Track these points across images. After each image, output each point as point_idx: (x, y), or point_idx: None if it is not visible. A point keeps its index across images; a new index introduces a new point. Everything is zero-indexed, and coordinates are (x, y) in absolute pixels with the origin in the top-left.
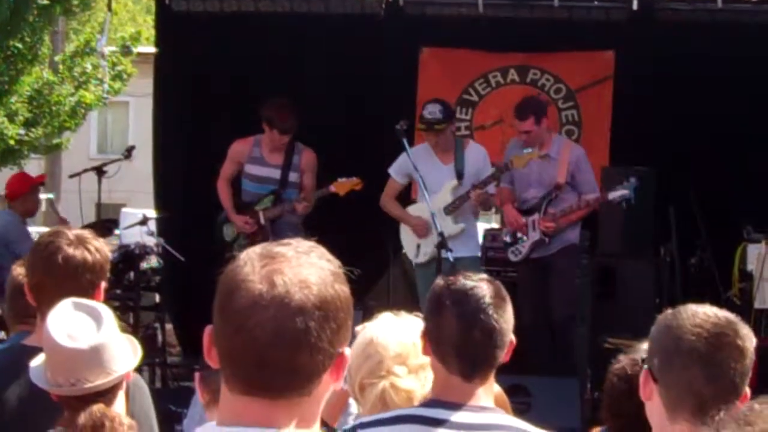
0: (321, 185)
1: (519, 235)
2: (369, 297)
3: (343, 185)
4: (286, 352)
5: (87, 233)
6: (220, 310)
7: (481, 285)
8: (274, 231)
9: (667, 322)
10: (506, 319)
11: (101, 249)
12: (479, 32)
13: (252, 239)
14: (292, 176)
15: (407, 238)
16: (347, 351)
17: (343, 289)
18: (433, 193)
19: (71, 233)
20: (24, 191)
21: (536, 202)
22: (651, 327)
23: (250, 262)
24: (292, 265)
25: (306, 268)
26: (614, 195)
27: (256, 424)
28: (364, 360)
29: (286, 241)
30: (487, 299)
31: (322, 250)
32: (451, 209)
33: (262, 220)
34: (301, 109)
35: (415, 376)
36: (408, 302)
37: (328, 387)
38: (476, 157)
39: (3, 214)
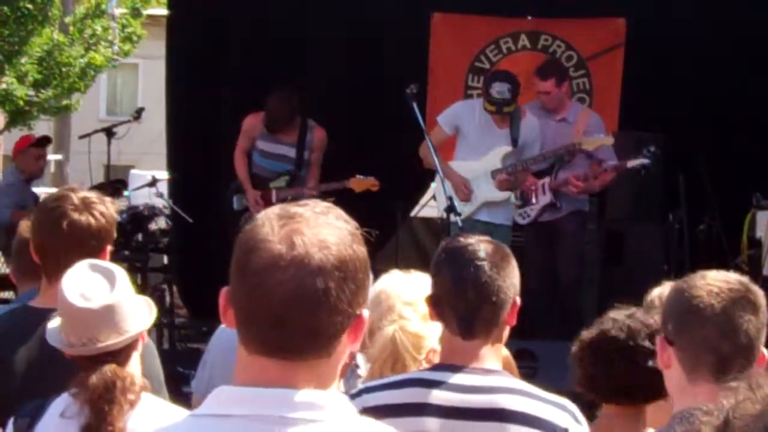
0: (339, 177)
1: (529, 198)
2: (376, 261)
3: (359, 182)
4: (305, 312)
5: (93, 196)
6: (238, 270)
7: (477, 243)
8: None
9: (679, 286)
10: (503, 277)
11: (106, 213)
12: None
13: None
14: (306, 155)
15: (441, 191)
16: (365, 313)
17: (362, 250)
18: (479, 154)
19: (77, 197)
20: (17, 152)
21: (548, 166)
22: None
23: (268, 222)
24: (311, 225)
25: (324, 228)
26: (634, 163)
27: (274, 384)
28: (375, 306)
29: (303, 201)
30: (481, 255)
31: (339, 211)
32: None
33: (274, 199)
34: (310, 73)
35: (424, 323)
36: (416, 266)
37: (346, 349)
38: (531, 129)
39: (8, 171)
